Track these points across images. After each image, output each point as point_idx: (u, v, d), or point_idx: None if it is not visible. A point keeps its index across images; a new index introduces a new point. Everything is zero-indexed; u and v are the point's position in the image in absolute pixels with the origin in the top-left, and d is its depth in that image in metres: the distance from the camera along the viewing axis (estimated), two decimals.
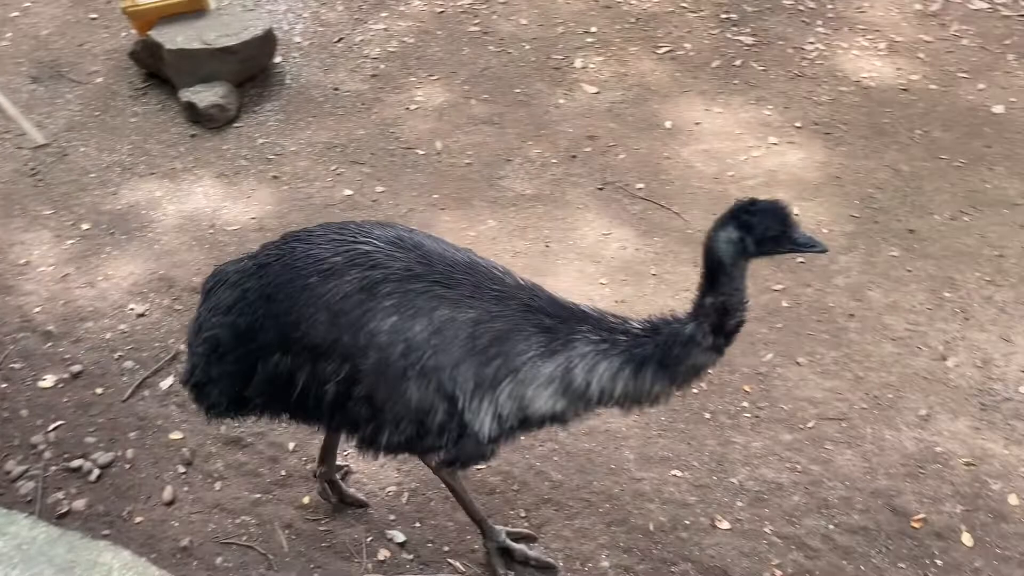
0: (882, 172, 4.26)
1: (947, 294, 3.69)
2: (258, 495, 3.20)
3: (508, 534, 2.97)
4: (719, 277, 2.30)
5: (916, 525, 2.98)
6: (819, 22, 5.14)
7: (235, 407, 2.68)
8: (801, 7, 5.26)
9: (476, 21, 5.37)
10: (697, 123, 4.64)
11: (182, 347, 3.64)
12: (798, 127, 4.54)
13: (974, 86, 4.66)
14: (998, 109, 4.51)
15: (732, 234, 2.25)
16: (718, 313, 2.34)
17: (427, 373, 2.38)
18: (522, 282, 2.51)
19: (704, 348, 2.38)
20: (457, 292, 2.39)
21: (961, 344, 3.50)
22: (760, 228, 2.23)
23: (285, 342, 2.46)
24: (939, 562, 2.88)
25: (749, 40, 5.08)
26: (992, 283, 3.72)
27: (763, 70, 4.89)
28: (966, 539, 2.93)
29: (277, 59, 5.07)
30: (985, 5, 5.13)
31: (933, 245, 3.90)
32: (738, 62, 4.95)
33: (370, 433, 2.53)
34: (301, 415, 2.63)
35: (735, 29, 5.16)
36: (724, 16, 5.27)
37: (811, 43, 5.02)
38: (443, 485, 2.90)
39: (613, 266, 3.96)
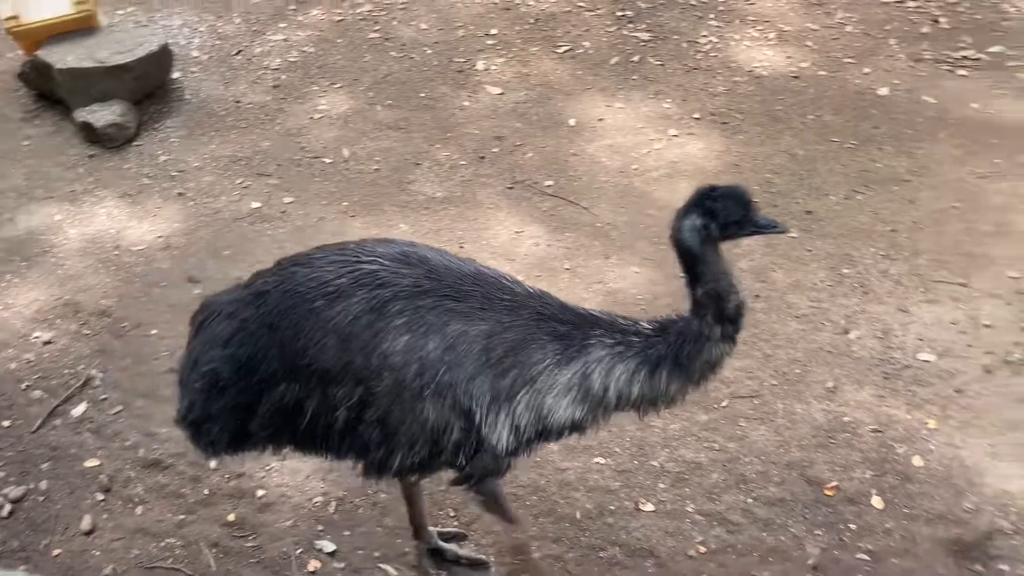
0: (778, 157, 4.42)
1: (846, 270, 3.84)
2: (182, 516, 3.15)
3: (439, 535, 2.99)
4: (696, 267, 2.30)
5: (829, 493, 3.10)
6: (711, 16, 5.31)
7: (236, 443, 2.54)
8: (693, 2, 5.42)
9: (376, 28, 5.37)
10: (600, 119, 4.74)
11: (94, 372, 3.56)
12: (696, 118, 4.68)
13: (860, 70, 4.87)
14: (883, 91, 4.72)
15: (696, 221, 2.25)
16: (714, 302, 2.31)
17: (442, 390, 2.31)
18: (531, 290, 2.45)
19: (715, 340, 2.35)
20: (467, 305, 2.33)
21: (862, 317, 3.65)
22: (723, 213, 2.24)
23: (292, 370, 2.37)
24: (852, 526, 3.01)
25: (645, 36, 5.21)
26: (887, 257, 3.90)
27: (660, 65, 5.02)
28: (876, 502, 3.06)
29: (175, 74, 4.98)
30: None
31: (830, 224, 4.07)
32: (636, 58, 5.07)
33: (381, 457, 2.42)
34: (308, 445, 2.50)
35: (631, 26, 5.29)
36: (620, 13, 5.39)
37: (705, 36, 5.18)
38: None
39: (527, 263, 4.01)
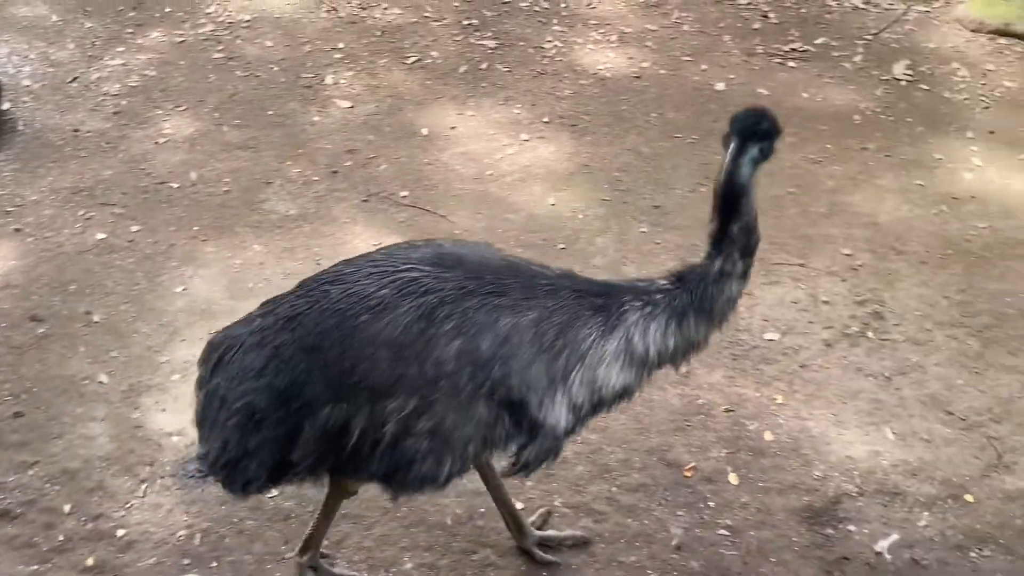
0: (625, 155, 4.56)
1: (693, 260, 3.99)
2: (35, 567, 2.99)
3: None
4: (741, 201, 2.33)
5: (688, 474, 3.22)
6: (555, 21, 5.44)
7: (275, 477, 2.47)
8: (537, 8, 5.54)
9: (220, 48, 5.27)
10: (452, 127, 4.78)
11: None
12: (546, 122, 4.77)
13: (698, 67, 5.08)
14: (720, 86, 4.94)
15: (755, 152, 2.28)
16: (745, 234, 2.38)
17: (496, 387, 2.32)
18: (559, 270, 2.52)
19: (736, 276, 2.44)
20: (511, 298, 2.36)
21: None
22: (775, 134, 2.29)
23: (337, 391, 2.32)
24: (711, 504, 3.13)
25: (492, 44, 5.29)
26: None
27: (508, 71, 5.11)
28: (732, 479, 3.20)
29: (5, 105, 4.76)
30: None
31: (677, 217, 4.22)
32: (484, 65, 5.14)
33: (428, 467, 2.38)
34: (351, 467, 2.45)
35: (477, 34, 5.36)
36: (466, 22, 5.46)
37: (549, 41, 5.29)
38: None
39: None
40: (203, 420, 2.48)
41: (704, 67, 5.07)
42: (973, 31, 5.15)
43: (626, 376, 2.46)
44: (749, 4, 5.50)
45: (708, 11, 5.47)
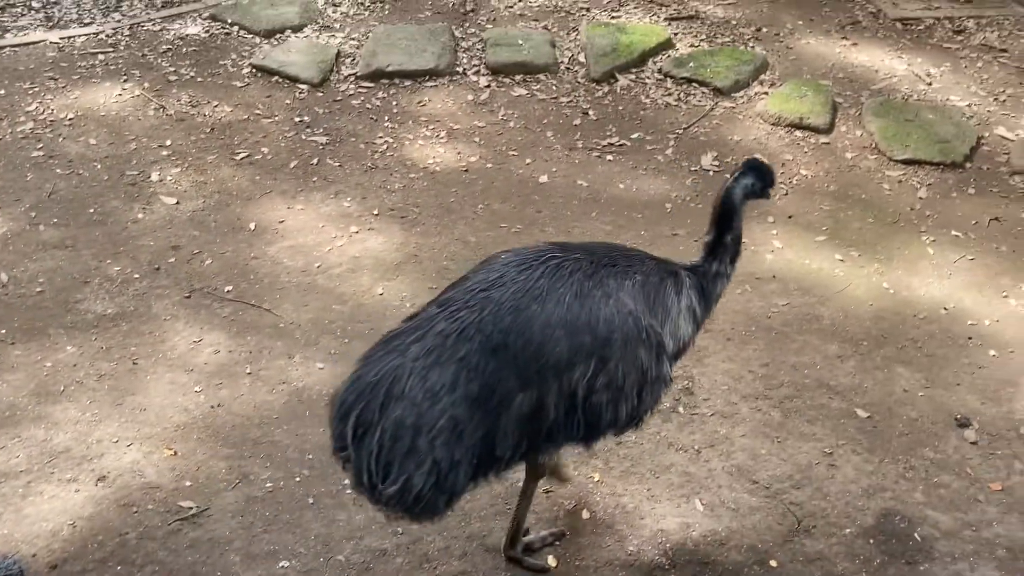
0: (454, 245, 4.68)
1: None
2: None
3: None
4: (732, 218, 2.97)
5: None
6: (386, 118, 5.58)
7: (475, 480, 2.70)
8: (368, 106, 5.68)
9: (40, 146, 5.15)
10: (281, 221, 4.79)
11: None
12: (376, 214, 4.86)
13: (523, 161, 5.30)
14: (544, 179, 5.16)
15: (748, 181, 2.95)
16: (735, 244, 3.02)
17: (648, 336, 2.78)
18: (632, 248, 3.05)
19: (725, 276, 3.04)
20: (621, 267, 2.81)
21: None
22: (767, 177, 3.00)
23: (527, 378, 2.59)
24: None
25: (323, 140, 5.37)
26: None
27: (339, 166, 5.19)
28: (551, 560, 3.22)
29: None
30: (524, 92, 5.89)
31: None
32: (315, 161, 5.21)
33: (610, 415, 2.76)
34: (550, 441, 2.76)
35: (309, 131, 5.44)
36: (298, 119, 5.54)
37: (381, 137, 5.42)
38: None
39: (207, 372, 3.94)
40: (392, 456, 2.54)
41: (528, 161, 5.30)
42: (772, 125, 5.59)
43: (690, 329, 2.98)
44: (570, 102, 5.80)
45: (532, 109, 5.74)
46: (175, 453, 3.59)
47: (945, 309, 4.28)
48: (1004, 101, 5.82)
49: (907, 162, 5.23)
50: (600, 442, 2.91)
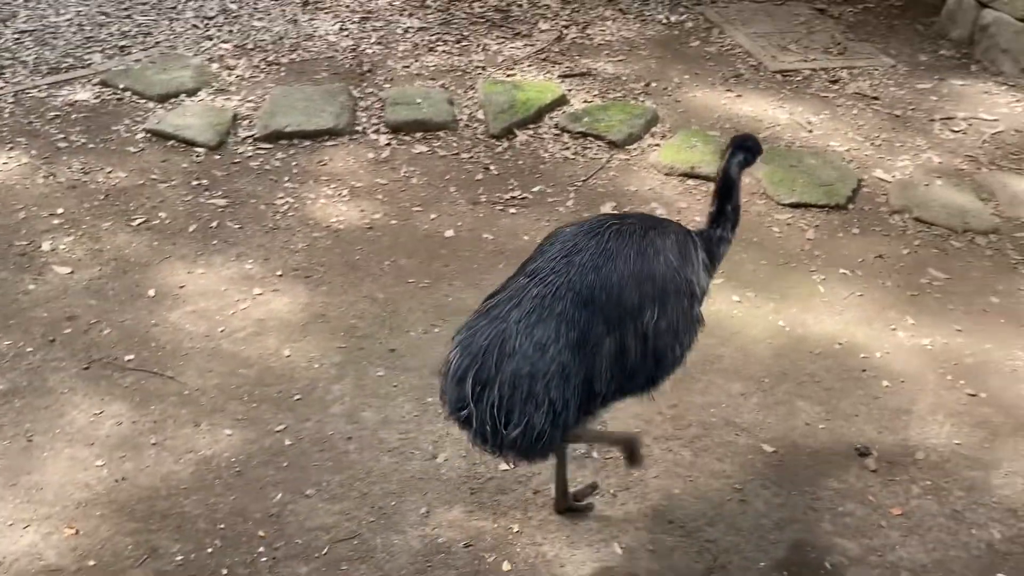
0: (361, 303, 4.66)
1: (430, 399, 4.09)
2: None
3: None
4: (732, 190, 3.44)
5: None
6: (286, 178, 5.56)
7: (581, 416, 3.11)
8: (268, 167, 5.65)
9: None
10: (182, 286, 4.69)
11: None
12: (280, 275, 4.81)
13: (428, 216, 5.34)
14: (449, 233, 5.20)
15: (740, 157, 3.41)
16: (735, 213, 3.49)
17: (688, 283, 3.24)
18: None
19: (728, 241, 3.50)
20: (660, 230, 3.27)
21: (447, 440, 3.89)
22: (755, 149, 3.46)
23: (611, 324, 3.03)
24: None
25: (223, 202, 5.31)
26: None
27: (240, 228, 5.13)
28: None
29: None
30: (425, 149, 5.96)
31: (413, 359, 4.33)
32: (215, 224, 5.13)
33: (670, 357, 3.22)
34: (631, 378, 3.15)
35: (208, 194, 5.37)
36: (196, 183, 5.46)
37: (282, 198, 5.39)
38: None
39: (109, 445, 3.79)
40: (513, 404, 2.93)
41: (433, 216, 5.34)
42: (666, 174, 5.79)
43: (707, 280, 3.41)
44: (471, 158, 5.90)
45: (434, 165, 5.81)
46: (77, 532, 3.43)
47: (839, 344, 4.47)
48: (879, 145, 6.19)
49: (794, 205, 5.49)
50: (664, 382, 3.32)
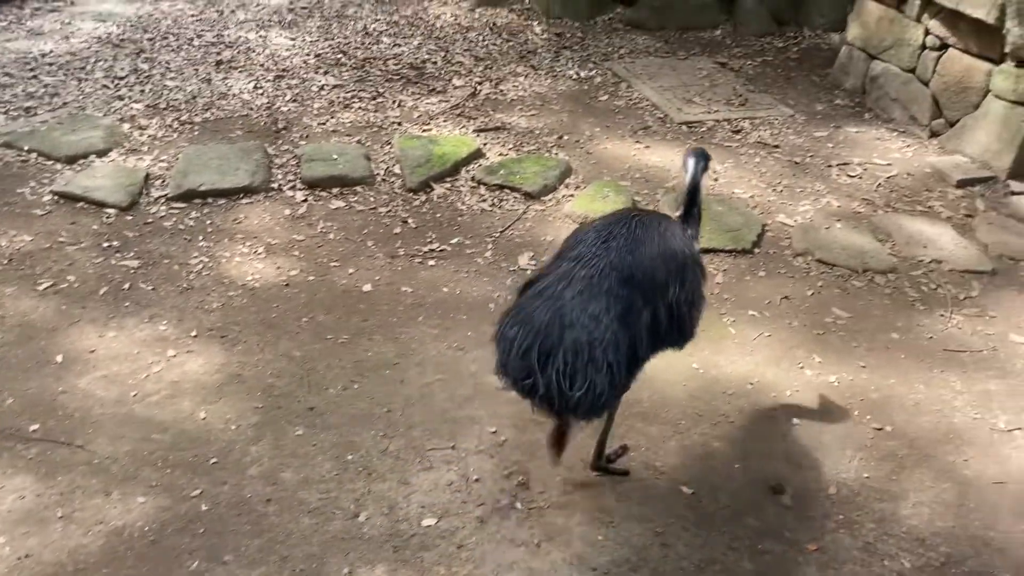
0: (278, 362, 4.61)
1: (350, 457, 4.06)
2: None
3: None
4: (695, 194, 4.00)
5: None
6: (200, 238, 5.49)
7: (629, 377, 3.58)
8: (181, 226, 5.58)
9: None
10: (92, 351, 4.57)
11: None
12: (194, 336, 4.73)
13: (345, 271, 5.33)
14: (367, 287, 5.20)
15: (702, 164, 4.03)
16: (699, 213, 4.05)
17: (696, 258, 3.79)
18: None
19: (694, 238, 3.94)
20: (666, 220, 3.82)
21: (369, 498, 3.85)
22: (707, 156, 4.09)
23: (647, 298, 3.49)
24: None
25: (135, 263, 5.21)
26: (386, 436, 4.19)
27: (153, 289, 5.04)
28: None
29: None
30: (342, 204, 5.97)
31: (332, 416, 4.29)
32: (126, 286, 5.04)
33: (689, 325, 3.71)
34: (661, 346, 3.66)
35: (119, 255, 5.27)
36: (107, 244, 5.35)
37: (196, 257, 5.32)
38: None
39: (11, 520, 3.64)
40: (576, 368, 3.31)
41: (351, 271, 5.34)
42: (581, 224, 5.92)
43: (696, 246, 3.93)
44: (389, 212, 5.93)
45: (351, 220, 5.82)
46: None
47: (751, 384, 4.60)
48: (781, 191, 6.44)
49: (704, 251, 5.65)
50: (683, 346, 3.80)
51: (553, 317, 3.36)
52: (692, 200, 4.00)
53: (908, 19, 7.48)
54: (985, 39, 6.77)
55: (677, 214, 4.00)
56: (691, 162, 4.00)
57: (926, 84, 7.36)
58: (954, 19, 6.99)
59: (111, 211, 5.66)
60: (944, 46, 7.17)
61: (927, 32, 7.30)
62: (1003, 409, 4.50)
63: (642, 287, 3.49)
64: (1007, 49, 6.57)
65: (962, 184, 6.64)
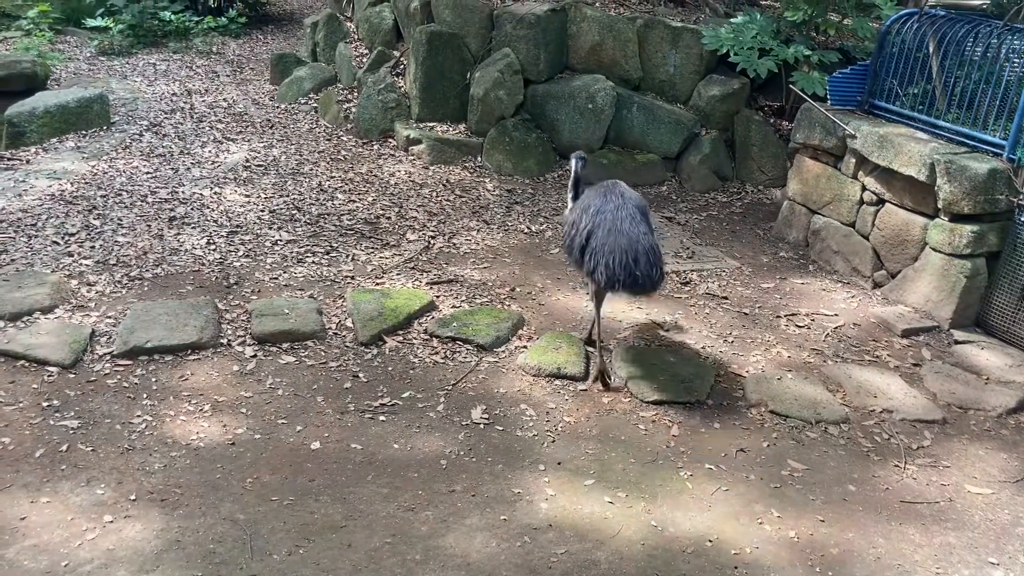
0: (220, 526, 4.41)
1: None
2: None
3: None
4: (580, 183, 6.15)
5: None
6: (145, 396, 5.36)
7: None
8: (126, 384, 5.44)
9: None
10: (23, 518, 4.34)
11: None
12: (133, 500, 4.52)
13: (293, 429, 5.20)
14: (316, 445, 5.07)
15: (581, 162, 6.19)
16: (582, 192, 5.94)
17: (645, 208, 5.80)
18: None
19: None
20: (610, 183, 5.91)
21: None
22: (586, 156, 6.29)
23: (646, 220, 5.73)
24: None
25: (75, 424, 5.04)
26: None
27: (92, 451, 4.85)
28: None
29: None
30: (292, 359, 5.90)
31: None
32: (64, 447, 4.85)
33: (659, 269, 5.59)
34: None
35: (58, 415, 5.10)
36: (46, 404, 5.19)
37: (139, 416, 5.17)
38: None
39: None
40: (651, 262, 5.46)
41: (299, 428, 5.21)
42: (534, 376, 5.90)
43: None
44: (340, 366, 5.87)
45: (302, 375, 5.74)
46: None
47: (710, 541, 4.49)
48: (732, 342, 6.52)
49: (657, 403, 5.66)
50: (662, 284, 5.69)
51: (626, 239, 5.40)
52: (577, 187, 6.18)
53: (845, 176, 7.84)
54: (919, 195, 7.10)
55: (570, 195, 6.22)
56: (574, 162, 6.23)
57: (866, 237, 7.65)
58: (888, 176, 7.35)
59: (53, 369, 5.51)
60: (881, 201, 7.50)
61: (864, 188, 7.65)
62: (964, 563, 4.44)
63: (644, 213, 5.63)
64: (939, 204, 6.88)
65: (907, 334, 6.79)
